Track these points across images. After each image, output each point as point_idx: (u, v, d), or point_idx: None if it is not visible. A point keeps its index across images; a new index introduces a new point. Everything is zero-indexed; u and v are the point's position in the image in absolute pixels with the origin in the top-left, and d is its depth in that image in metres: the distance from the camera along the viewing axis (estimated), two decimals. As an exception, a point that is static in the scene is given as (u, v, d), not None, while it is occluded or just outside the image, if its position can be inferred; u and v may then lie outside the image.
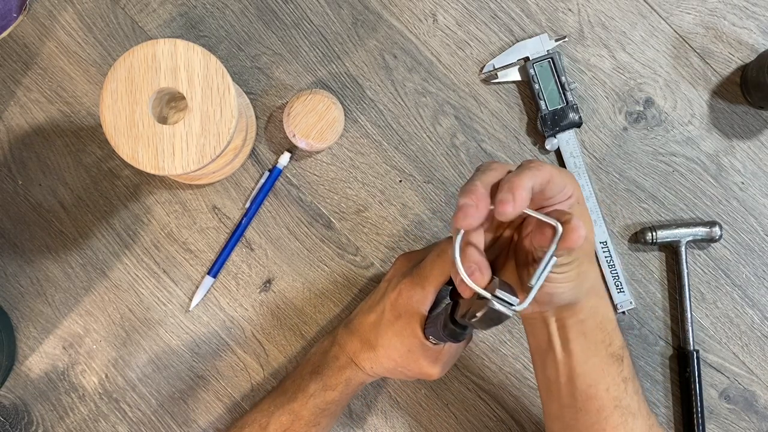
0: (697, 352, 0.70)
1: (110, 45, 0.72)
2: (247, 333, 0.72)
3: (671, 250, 0.71)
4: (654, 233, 0.69)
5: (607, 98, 0.72)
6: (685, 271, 0.70)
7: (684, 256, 0.70)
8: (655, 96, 0.72)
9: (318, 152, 0.71)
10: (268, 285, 0.72)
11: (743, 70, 0.72)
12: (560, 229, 0.43)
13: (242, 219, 0.71)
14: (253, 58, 0.72)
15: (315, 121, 0.68)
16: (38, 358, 0.71)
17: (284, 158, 0.71)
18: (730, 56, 0.73)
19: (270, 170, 0.71)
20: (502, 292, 0.43)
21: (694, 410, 0.69)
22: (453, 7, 0.72)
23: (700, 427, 0.69)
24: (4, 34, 0.71)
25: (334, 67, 0.72)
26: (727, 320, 0.72)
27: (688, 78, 0.72)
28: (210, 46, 0.72)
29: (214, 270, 0.71)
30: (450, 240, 0.58)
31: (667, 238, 0.70)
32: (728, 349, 0.72)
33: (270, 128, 0.72)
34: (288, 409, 0.62)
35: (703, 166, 0.72)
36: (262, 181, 0.71)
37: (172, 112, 0.68)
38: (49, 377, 0.71)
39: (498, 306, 0.43)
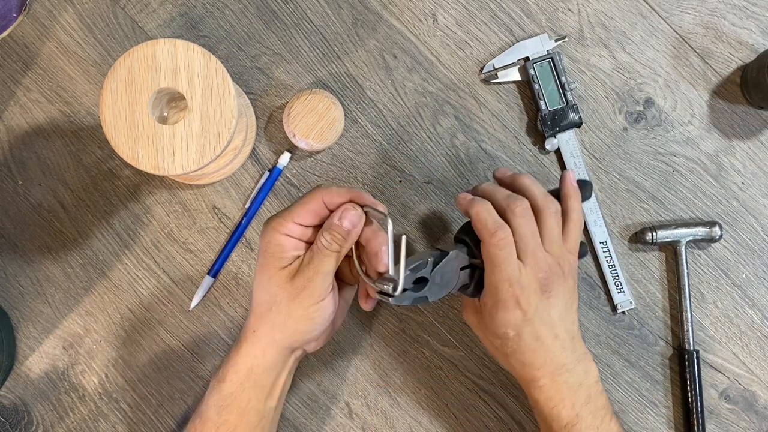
0: (697, 352, 0.70)
1: (110, 45, 0.72)
2: (247, 333, 0.72)
3: (671, 250, 0.71)
4: (654, 233, 0.69)
5: (607, 98, 0.72)
6: (685, 271, 0.70)
7: (684, 256, 0.70)
8: (655, 96, 0.72)
9: (318, 152, 0.71)
10: (267, 285, 0.72)
11: (743, 70, 0.72)
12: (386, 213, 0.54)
13: (242, 219, 0.71)
14: (253, 58, 0.72)
15: (315, 121, 0.68)
16: (38, 358, 0.71)
17: (284, 158, 0.71)
18: (730, 56, 0.72)
19: (270, 170, 0.71)
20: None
21: (694, 410, 0.69)
22: (453, 7, 0.72)
23: (700, 427, 0.69)
24: (4, 34, 0.71)
25: (334, 67, 0.72)
26: (727, 320, 0.72)
27: (688, 78, 0.72)
28: (210, 46, 0.72)
29: (214, 270, 0.71)
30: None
31: (667, 238, 0.70)
32: (728, 349, 0.72)
33: (270, 128, 0.72)
34: (198, 413, 0.59)
35: (703, 166, 0.72)
36: (262, 181, 0.71)
37: (172, 112, 0.68)
38: (49, 377, 0.71)
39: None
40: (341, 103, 0.71)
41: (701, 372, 0.70)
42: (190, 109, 0.58)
